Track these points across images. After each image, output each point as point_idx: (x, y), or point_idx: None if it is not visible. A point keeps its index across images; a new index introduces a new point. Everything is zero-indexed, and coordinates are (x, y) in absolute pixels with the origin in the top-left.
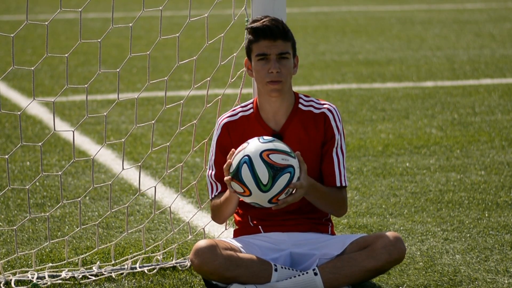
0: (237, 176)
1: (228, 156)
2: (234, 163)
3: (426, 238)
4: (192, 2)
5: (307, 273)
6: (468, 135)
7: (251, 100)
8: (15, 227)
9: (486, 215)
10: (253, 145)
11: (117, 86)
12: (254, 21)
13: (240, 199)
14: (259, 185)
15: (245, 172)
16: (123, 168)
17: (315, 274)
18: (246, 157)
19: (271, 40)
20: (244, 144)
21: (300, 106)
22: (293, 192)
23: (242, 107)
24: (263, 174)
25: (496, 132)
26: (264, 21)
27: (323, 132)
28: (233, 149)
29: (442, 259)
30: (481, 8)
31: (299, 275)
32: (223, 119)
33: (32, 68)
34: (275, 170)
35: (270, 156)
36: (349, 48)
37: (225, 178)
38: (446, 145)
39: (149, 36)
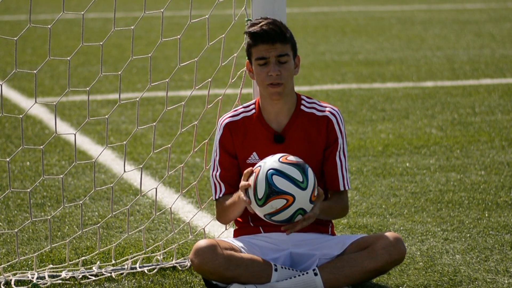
0: (272, 191)
1: (243, 178)
2: (260, 185)
3: (426, 238)
4: (193, 2)
5: (307, 273)
6: (468, 135)
7: (253, 101)
8: (16, 230)
9: (486, 215)
10: (267, 161)
11: (119, 89)
12: (252, 25)
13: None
14: (298, 184)
15: (279, 180)
16: (124, 171)
17: (315, 274)
18: (271, 170)
19: (270, 43)
20: (257, 168)
21: (302, 107)
22: (318, 190)
23: (244, 107)
24: (295, 173)
25: (496, 132)
26: (262, 25)
27: (325, 135)
28: (246, 170)
29: (442, 259)
30: (481, 8)
31: (299, 275)
32: (224, 119)
33: (35, 72)
34: (301, 167)
35: (288, 158)
36: (349, 48)
37: (246, 200)
38: (446, 145)
39: (149, 36)
